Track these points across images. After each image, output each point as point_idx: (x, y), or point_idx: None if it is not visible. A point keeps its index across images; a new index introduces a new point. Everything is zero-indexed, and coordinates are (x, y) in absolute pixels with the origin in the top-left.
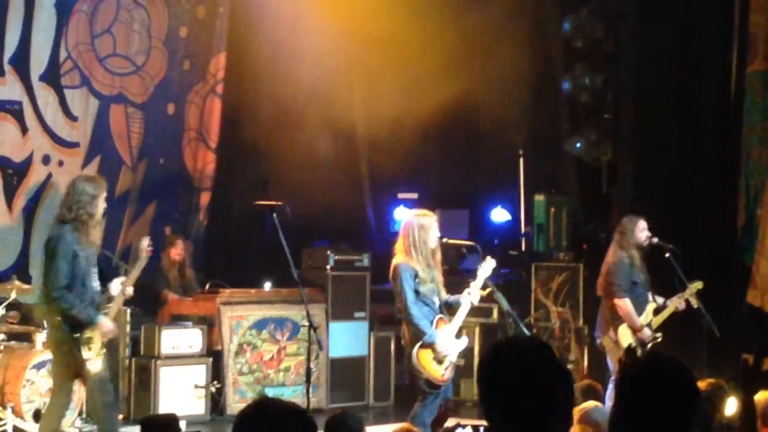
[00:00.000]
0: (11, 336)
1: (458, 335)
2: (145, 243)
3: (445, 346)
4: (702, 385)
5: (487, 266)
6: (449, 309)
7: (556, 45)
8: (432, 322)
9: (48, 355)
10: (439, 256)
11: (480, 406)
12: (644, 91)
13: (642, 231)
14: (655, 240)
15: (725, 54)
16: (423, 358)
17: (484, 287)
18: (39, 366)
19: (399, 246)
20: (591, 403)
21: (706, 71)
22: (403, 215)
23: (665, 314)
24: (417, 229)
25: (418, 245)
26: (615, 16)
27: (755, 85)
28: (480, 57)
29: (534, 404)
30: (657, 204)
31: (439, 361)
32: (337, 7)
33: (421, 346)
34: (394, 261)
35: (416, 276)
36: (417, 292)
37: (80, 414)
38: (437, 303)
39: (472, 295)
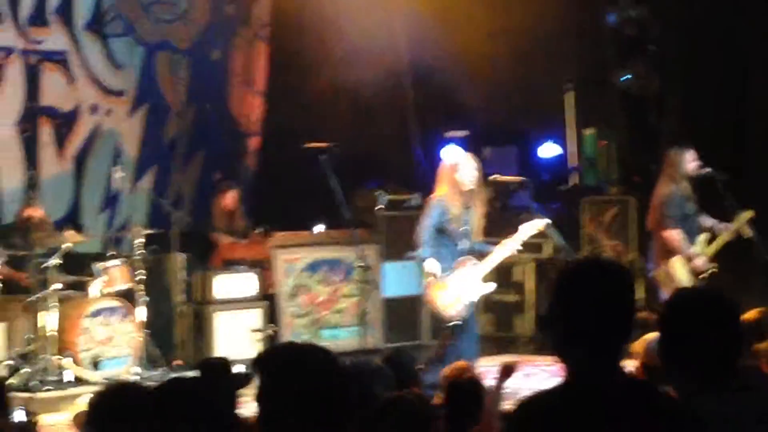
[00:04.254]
0: (66, 285)
1: (486, 280)
2: None
3: (458, 285)
4: (753, 313)
5: (535, 225)
6: (480, 254)
7: None
8: (453, 262)
9: (104, 303)
10: (483, 196)
11: (552, 338)
12: (690, 21)
13: (691, 162)
14: (705, 170)
15: None
16: (433, 292)
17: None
18: (94, 314)
19: (439, 182)
20: (651, 336)
21: None
22: (451, 153)
23: (718, 244)
24: (450, 170)
25: (453, 185)
26: None
27: None
28: None
29: (615, 334)
30: (705, 134)
31: (454, 294)
32: None
33: (441, 274)
34: (432, 195)
35: (447, 213)
36: (443, 230)
37: (138, 360)
38: (465, 245)
39: (506, 248)
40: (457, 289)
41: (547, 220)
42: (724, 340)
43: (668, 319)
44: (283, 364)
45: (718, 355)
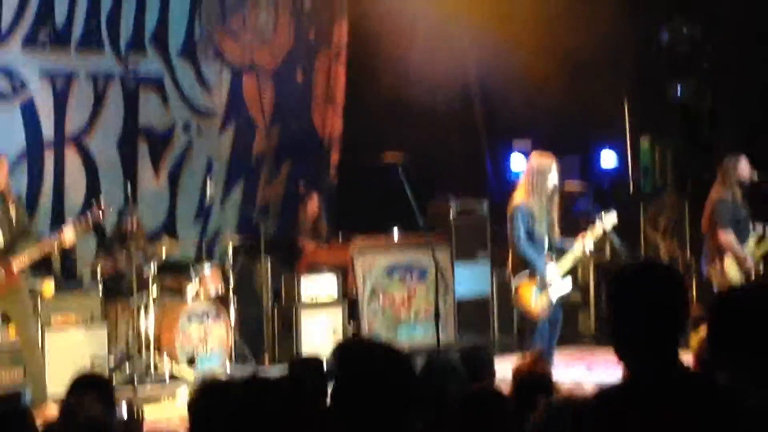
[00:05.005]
0: (164, 290)
1: (564, 276)
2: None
3: (551, 279)
4: None
5: (608, 219)
6: (559, 252)
7: None
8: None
9: (198, 306)
10: (557, 198)
11: (607, 330)
12: (743, 39)
13: (744, 168)
14: (756, 176)
15: None
16: (522, 292)
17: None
18: (190, 316)
19: (520, 186)
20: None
21: None
22: (521, 161)
23: (766, 246)
24: (536, 171)
25: (536, 187)
26: None
27: None
28: (585, 9)
29: (671, 332)
30: (757, 143)
31: (540, 293)
32: None
33: (527, 279)
34: (514, 200)
35: (531, 216)
36: (530, 232)
37: (230, 358)
38: (547, 243)
39: (587, 243)
40: (543, 288)
41: (615, 215)
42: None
43: (715, 314)
44: (352, 354)
45: (760, 347)
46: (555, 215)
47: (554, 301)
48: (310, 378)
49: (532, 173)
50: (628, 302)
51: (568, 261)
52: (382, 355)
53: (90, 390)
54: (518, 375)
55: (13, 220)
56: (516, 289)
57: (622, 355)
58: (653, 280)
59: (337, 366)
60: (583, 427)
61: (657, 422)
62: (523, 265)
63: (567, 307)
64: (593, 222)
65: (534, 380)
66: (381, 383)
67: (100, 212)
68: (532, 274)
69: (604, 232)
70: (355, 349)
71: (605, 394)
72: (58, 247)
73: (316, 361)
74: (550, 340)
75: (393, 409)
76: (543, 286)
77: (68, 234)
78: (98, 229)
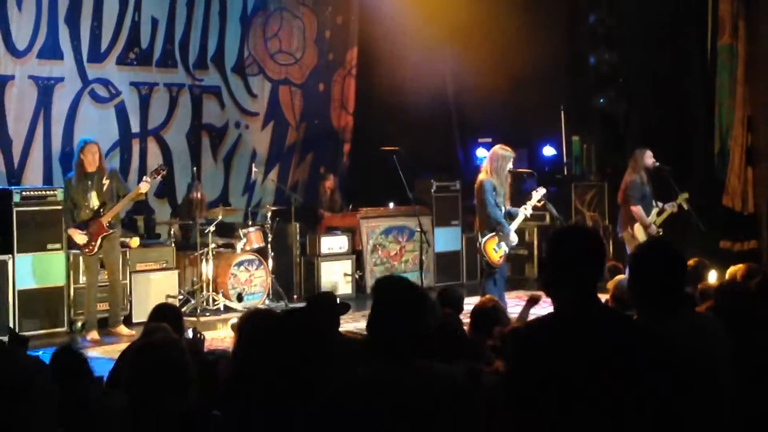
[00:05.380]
0: (220, 245)
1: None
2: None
3: (509, 233)
4: (690, 262)
5: (540, 192)
6: (509, 216)
7: (585, 31)
8: None
9: (245, 257)
10: (509, 179)
11: (544, 279)
12: (649, 62)
13: (649, 158)
14: (658, 164)
15: (703, 32)
16: (487, 246)
17: (538, 202)
18: (239, 264)
19: (485, 167)
20: (620, 277)
21: (691, 45)
22: (483, 152)
23: (664, 216)
24: (500, 158)
25: (498, 169)
26: (627, 9)
27: (723, 53)
28: (532, 40)
29: (592, 277)
30: (658, 140)
31: (498, 248)
32: (435, 12)
33: (491, 236)
34: (480, 177)
35: (494, 189)
36: (494, 202)
37: (268, 295)
38: (503, 211)
39: (527, 210)
40: (501, 243)
41: (544, 189)
42: (675, 278)
43: (636, 262)
44: (386, 287)
45: (671, 288)
46: (507, 190)
47: (507, 251)
48: (326, 308)
49: (497, 158)
50: (562, 255)
51: (515, 223)
52: (408, 288)
53: (165, 317)
54: (479, 309)
55: (104, 189)
56: (483, 244)
57: (554, 294)
58: (580, 239)
59: (374, 295)
60: (524, 344)
61: (579, 342)
62: (486, 226)
63: (517, 259)
64: (531, 195)
65: (491, 313)
66: (406, 308)
67: (158, 174)
68: (496, 232)
69: (543, 203)
70: (387, 283)
71: (541, 321)
72: (137, 196)
73: (330, 297)
74: (501, 286)
75: (414, 327)
76: (507, 238)
77: (143, 186)
78: (171, 198)
